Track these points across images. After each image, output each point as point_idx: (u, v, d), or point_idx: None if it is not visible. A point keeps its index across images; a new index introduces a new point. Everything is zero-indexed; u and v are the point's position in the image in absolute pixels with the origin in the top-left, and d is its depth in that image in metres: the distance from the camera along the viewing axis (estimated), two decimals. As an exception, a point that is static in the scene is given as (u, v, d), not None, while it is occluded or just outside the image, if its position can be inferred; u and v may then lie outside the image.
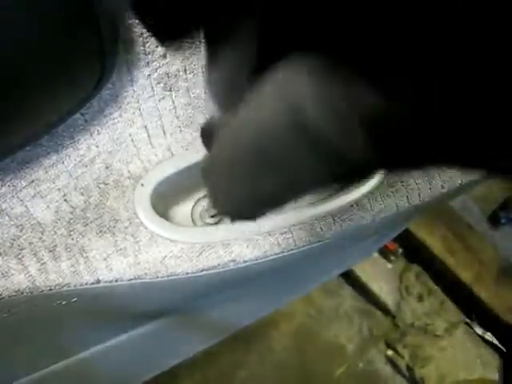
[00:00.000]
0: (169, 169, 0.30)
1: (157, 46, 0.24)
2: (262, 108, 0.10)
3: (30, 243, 0.26)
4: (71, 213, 0.27)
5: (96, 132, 0.26)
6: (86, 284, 0.26)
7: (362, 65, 0.10)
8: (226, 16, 0.11)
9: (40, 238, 0.26)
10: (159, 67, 0.25)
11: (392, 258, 1.28)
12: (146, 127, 0.28)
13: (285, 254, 0.30)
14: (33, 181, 0.25)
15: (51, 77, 0.19)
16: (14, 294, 0.25)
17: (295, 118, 0.10)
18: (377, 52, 0.10)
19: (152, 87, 0.26)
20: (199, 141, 0.31)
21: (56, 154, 0.25)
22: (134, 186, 0.29)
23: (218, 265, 0.28)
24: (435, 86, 0.09)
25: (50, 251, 0.26)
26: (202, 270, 0.28)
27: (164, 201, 0.32)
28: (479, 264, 1.24)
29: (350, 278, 1.24)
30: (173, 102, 0.27)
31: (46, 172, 0.25)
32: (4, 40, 0.16)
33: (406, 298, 1.23)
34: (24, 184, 0.25)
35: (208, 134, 0.14)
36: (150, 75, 0.25)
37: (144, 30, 0.22)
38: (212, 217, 0.33)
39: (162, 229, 0.28)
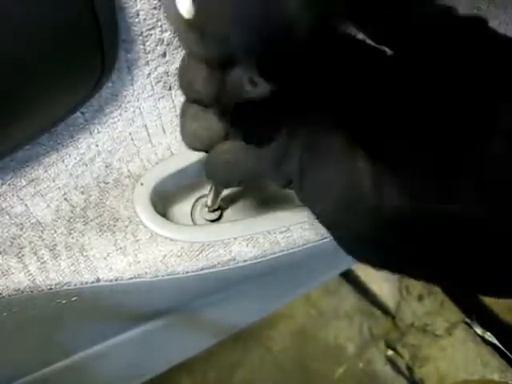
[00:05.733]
0: (169, 168, 0.30)
1: (156, 45, 0.24)
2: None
3: (30, 242, 0.26)
4: (71, 211, 0.27)
5: (96, 131, 0.26)
6: (86, 283, 0.27)
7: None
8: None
9: (40, 237, 0.26)
10: (159, 66, 0.25)
11: (392, 258, 1.28)
12: (145, 126, 0.28)
13: (285, 252, 0.30)
14: (33, 180, 0.25)
15: (51, 76, 0.19)
16: (14, 292, 0.25)
17: None
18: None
19: (152, 86, 0.26)
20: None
21: (56, 153, 0.25)
22: (134, 184, 0.29)
23: (218, 264, 0.28)
24: None
25: (50, 250, 0.26)
26: (202, 269, 0.28)
27: (164, 200, 0.32)
28: (479, 264, 1.23)
29: (350, 277, 1.24)
30: (172, 100, 0.27)
31: (46, 171, 0.25)
32: (4, 40, 0.16)
33: (406, 298, 1.23)
34: (24, 183, 0.25)
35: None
36: (149, 74, 0.25)
37: (144, 29, 0.22)
38: (212, 212, 0.33)
39: (162, 228, 0.28)
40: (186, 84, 0.17)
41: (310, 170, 0.15)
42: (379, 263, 0.17)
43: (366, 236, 0.15)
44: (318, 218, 0.17)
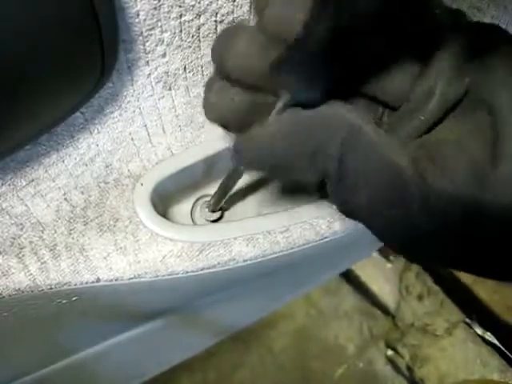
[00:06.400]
0: (169, 168, 0.30)
1: (156, 45, 0.24)
2: None
3: (31, 242, 0.26)
4: (71, 212, 0.27)
5: (96, 131, 0.26)
6: (86, 283, 0.27)
7: None
8: None
9: (40, 237, 0.26)
10: (159, 66, 0.25)
11: (392, 257, 1.28)
12: (145, 126, 0.28)
13: (284, 253, 0.30)
14: (33, 180, 0.25)
15: (51, 76, 0.19)
16: (14, 292, 0.25)
17: None
18: None
19: (152, 86, 0.26)
20: (199, 140, 0.31)
21: (56, 153, 0.25)
22: (134, 184, 0.29)
23: (218, 264, 0.28)
24: None
25: (51, 250, 0.26)
26: (202, 269, 0.28)
27: (164, 200, 0.32)
28: (479, 264, 1.23)
29: (349, 277, 1.24)
30: (172, 100, 0.27)
31: (46, 171, 0.25)
32: (4, 40, 0.16)
33: (406, 298, 1.23)
34: (24, 183, 0.25)
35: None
36: (149, 74, 0.25)
37: (144, 30, 0.22)
38: (212, 212, 0.33)
39: (162, 228, 0.28)
40: (218, 60, 0.17)
41: (349, 161, 0.16)
42: (429, 255, 0.17)
43: (412, 225, 0.15)
44: (353, 212, 0.17)
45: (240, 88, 0.18)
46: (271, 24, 0.15)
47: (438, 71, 0.16)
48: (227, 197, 0.30)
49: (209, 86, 0.19)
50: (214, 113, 0.19)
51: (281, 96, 0.17)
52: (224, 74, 0.17)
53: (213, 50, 0.18)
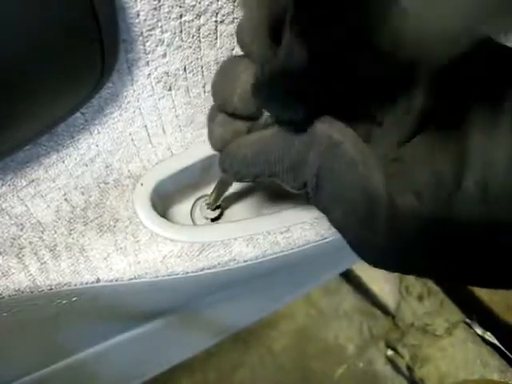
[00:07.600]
0: (169, 168, 0.30)
1: (156, 46, 0.24)
2: None
3: (31, 242, 0.26)
4: (71, 212, 0.27)
5: (96, 131, 0.26)
6: (86, 283, 0.27)
7: None
8: None
9: (40, 238, 0.26)
10: (159, 66, 0.25)
11: (392, 258, 1.28)
12: (145, 126, 0.28)
13: (285, 253, 0.30)
14: (33, 180, 0.25)
15: (51, 76, 0.19)
16: (14, 293, 0.25)
17: None
18: None
19: (152, 86, 0.26)
20: (199, 140, 0.31)
21: (56, 154, 0.25)
22: (134, 185, 0.29)
23: (218, 264, 0.28)
24: None
25: (51, 250, 0.26)
26: (202, 270, 0.28)
27: (164, 200, 0.32)
28: (479, 264, 1.23)
29: (350, 277, 1.24)
30: (173, 101, 0.27)
31: (46, 171, 0.25)
32: (4, 40, 0.16)
33: (406, 298, 1.23)
34: (24, 183, 0.25)
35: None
36: (149, 74, 0.25)
37: (144, 30, 0.22)
38: (212, 210, 0.33)
39: (162, 228, 0.28)
40: (221, 98, 0.18)
41: (325, 176, 0.16)
42: (398, 269, 0.17)
43: (381, 240, 0.15)
44: (332, 222, 0.18)
45: (242, 119, 0.18)
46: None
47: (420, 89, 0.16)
48: (226, 193, 0.30)
49: (211, 118, 0.20)
50: (220, 144, 0.20)
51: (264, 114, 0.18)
52: (228, 110, 0.18)
53: (214, 86, 0.18)
